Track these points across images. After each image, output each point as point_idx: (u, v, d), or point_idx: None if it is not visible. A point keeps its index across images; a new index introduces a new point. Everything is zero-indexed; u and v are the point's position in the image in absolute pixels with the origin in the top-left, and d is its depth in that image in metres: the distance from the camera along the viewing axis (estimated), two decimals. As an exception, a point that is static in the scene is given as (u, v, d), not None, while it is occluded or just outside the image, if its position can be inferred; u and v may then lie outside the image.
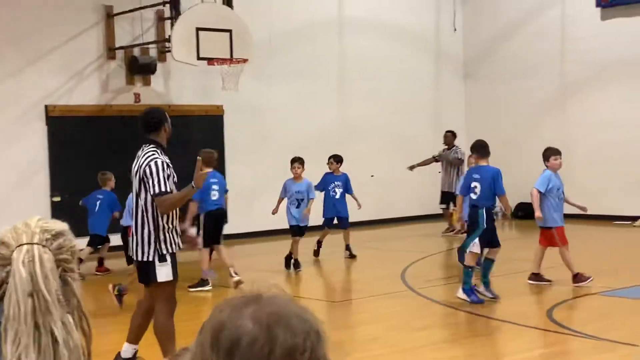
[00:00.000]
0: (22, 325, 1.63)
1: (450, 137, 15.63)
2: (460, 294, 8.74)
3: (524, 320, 7.88)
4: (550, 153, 10.36)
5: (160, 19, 14.58)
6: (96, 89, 14.21)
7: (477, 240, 8.84)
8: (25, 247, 1.72)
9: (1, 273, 1.72)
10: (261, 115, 15.85)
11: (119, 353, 6.40)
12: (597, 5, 16.39)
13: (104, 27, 14.18)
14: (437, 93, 18.65)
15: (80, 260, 10.66)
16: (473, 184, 9.14)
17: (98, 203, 11.94)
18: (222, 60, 13.14)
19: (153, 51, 14.55)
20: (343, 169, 12.96)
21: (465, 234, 9.73)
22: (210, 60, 13.06)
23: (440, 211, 15.92)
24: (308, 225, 11.69)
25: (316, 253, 12.42)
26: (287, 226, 11.88)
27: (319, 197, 12.33)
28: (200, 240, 9.94)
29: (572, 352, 7.04)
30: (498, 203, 9.56)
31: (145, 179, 5.94)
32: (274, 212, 11.72)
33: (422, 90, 18.27)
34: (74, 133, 13.77)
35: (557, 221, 9.85)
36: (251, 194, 15.17)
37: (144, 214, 6.01)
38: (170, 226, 6.07)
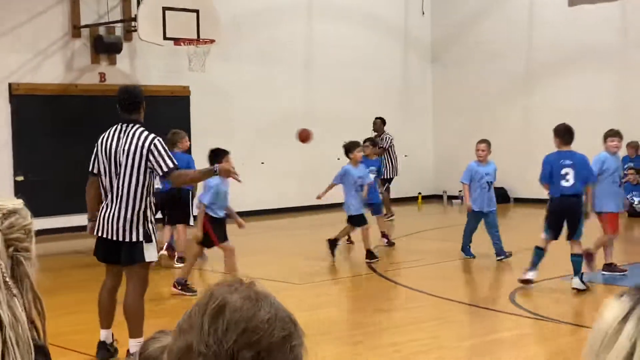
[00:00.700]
0: None
1: (379, 123, 15.35)
2: (578, 284, 8.26)
3: (486, 303, 7.97)
4: (607, 134, 9.92)
5: (126, -3, 14.42)
6: (61, 67, 14.02)
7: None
8: None
9: None
10: (228, 96, 15.78)
11: (127, 350, 6.18)
12: (565, -9, 16.51)
13: (69, 4, 13.98)
14: (405, 77, 18.69)
15: None
16: (564, 171, 8.54)
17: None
18: (189, 41, 13.04)
19: (119, 30, 14.38)
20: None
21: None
22: (177, 41, 12.96)
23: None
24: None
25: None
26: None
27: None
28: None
29: (534, 335, 7.13)
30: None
31: (153, 157, 5.97)
32: (320, 196, 11.41)
33: (389, 74, 18.30)
34: (38, 112, 13.59)
35: (609, 206, 9.25)
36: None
37: (136, 193, 6.00)
38: (152, 207, 6.14)
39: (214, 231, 8.67)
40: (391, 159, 15.18)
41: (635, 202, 14.79)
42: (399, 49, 18.62)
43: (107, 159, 6.08)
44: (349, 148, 11.12)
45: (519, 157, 17.20)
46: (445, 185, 18.50)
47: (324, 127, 15.15)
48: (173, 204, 10.49)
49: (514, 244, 10.60)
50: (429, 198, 18.52)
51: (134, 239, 5.98)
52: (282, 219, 15.71)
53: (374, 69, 17.87)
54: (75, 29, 14.00)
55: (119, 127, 6.13)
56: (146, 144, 5.98)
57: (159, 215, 9.13)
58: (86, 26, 14.00)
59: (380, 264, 10.41)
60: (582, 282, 8.29)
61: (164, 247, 10.56)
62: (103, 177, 6.12)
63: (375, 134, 15.19)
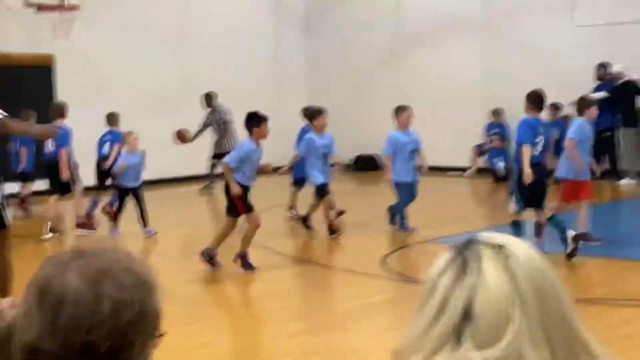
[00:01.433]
0: None
1: (208, 99, 14.90)
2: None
3: (358, 268, 8.12)
4: (588, 103, 9.27)
5: (-17, -39, 13.70)
6: None
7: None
8: None
9: None
10: (96, 66, 15.29)
11: None
12: (432, -39, 16.85)
13: None
14: (278, 47, 18.66)
15: None
16: (538, 138, 8.38)
17: None
18: (52, 7, 12.53)
19: (-24, -4, 13.67)
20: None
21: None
22: (40, 7, 12.43)
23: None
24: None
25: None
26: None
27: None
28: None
29: (405, 298, 7.31)
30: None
31: None
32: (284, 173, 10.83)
33: (262, 45, 18.22)
34: None
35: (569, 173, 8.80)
36: (86, 147, 14.66)
37: None
38: None
39: (243, 200, 8.03)
40: (227, 133, 14.78)
41: (500, 167, 15.36)
42: (271, 20, 18.55)
43: None
44: (313, 115, 10.15)
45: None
46: (320, 154, 18.63)
47: (198, 97, 14.94)
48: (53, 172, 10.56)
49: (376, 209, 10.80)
50: (303, 167, 18.61)
51: None
52: (161, 190, 15.48)
53: (247, 39, 17.74)
54: None
55: None
56: None
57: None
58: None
59: (260, 235, 10.40)
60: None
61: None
62: None
63: (209, 109, 14.79)
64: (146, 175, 15.83)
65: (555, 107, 15.16)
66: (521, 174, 8.28)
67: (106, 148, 11.57)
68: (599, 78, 14.47)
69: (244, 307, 6.94)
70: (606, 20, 14.60)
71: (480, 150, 16.17)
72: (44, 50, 14.45)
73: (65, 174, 10.28)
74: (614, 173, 14.22)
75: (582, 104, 9.11)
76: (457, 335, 1.09)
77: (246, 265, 7.99)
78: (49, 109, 10.68)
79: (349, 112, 18.34)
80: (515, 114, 15.88)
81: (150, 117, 15.65)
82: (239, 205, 8.08)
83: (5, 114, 6.13)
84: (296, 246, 9.53)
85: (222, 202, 13.57)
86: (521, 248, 1.16)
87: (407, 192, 10.08)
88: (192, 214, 12.97)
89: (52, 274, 1.28)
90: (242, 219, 8.25)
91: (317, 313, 6.60)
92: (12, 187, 11.31)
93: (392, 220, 10.15)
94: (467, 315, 1.10)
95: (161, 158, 16.09)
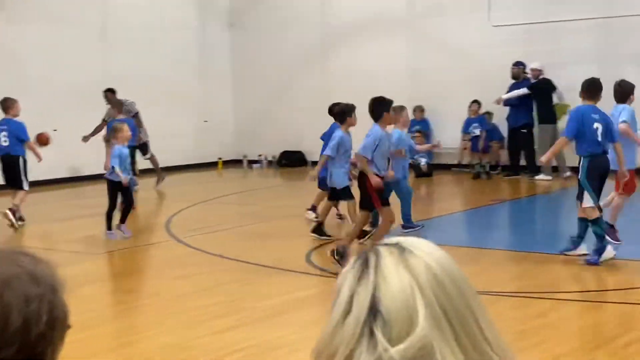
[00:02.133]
0: None
1: (109, 95, 14.25)
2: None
3: (283, 264, 8.19)
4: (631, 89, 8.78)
5: None
6: None
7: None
8: None
9: None
10: (15, 61, 14.97)
11: None
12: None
13: None
14: (203, 40, 18.57)
15: None
16: (595, 125, 7.64)
17: None
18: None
19: None
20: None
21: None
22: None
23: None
24: None
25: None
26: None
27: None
28: None
29: (329, 293, 7.42)
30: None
31: None
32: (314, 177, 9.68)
33: (187, 37, 18.11)
34: None
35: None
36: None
37: None
38: None
39: (380, 192, 7.55)
40: (141, 123, 14.58)
41: (422, 163, 15.64)
42: (196, 12, 18.45)
43: None
44: (346, 112, 9.01)
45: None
46: (246, 150, 18.66)
47: (122, 90, 14.72)
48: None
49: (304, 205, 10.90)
50: (229, 163, 18.62)
51: None
52: (78, 187, 15.26)
53: (171, 31, 17.61)
54: None
55: None
56: None
57: None
58: None
59: (180, 230, 10.39)
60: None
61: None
62: None
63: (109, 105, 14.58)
64: (68, 172, 15.65)
65: (478, 103, 15.55)
66: (591, 166, 7.62)
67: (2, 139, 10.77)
68: (515, 77, 14.89)
69: (169, 305, 6.94)
70: (522, 20, 15.02)
71: (403, 147, 16.41)
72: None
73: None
74: (531, 168, 14.65)
75: (626, 89, 8.61)
76: (369, 333, 1.11)
77: (342, 258, 7.51)
78: None
79: (275, 108, 18.40)
80: (437, 111, 16.25)
81: (73, 111, 15.42)
82: (374, 197, 7.60)
83: None
84: (221, 243, 9.54)
85: (143, 198, 13.55)
86: (418, 243, 1.20)
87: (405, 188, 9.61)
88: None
89: None
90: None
91: (242, 309, 6.65)
92: None
93: (409, 222, 9.68)
94: (373, 312, 1.12)
95: (85, 154, 15.86)
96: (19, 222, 10.64)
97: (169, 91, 16.97)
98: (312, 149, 18.08)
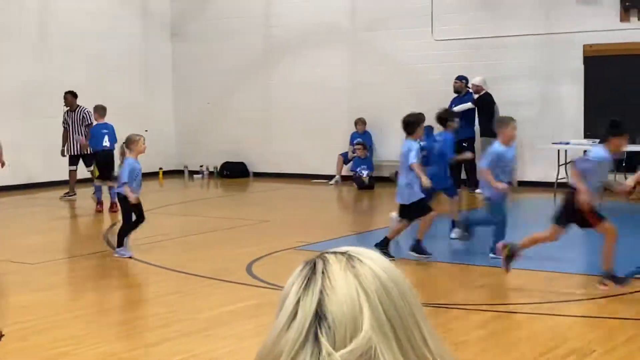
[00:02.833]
0: None
1: (70, 98, 14.31)
2: None
3: (224, 275, 8.10)
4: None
5: None
6: None
7: None
8: None
9: None
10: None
11: None
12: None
13: None
14: (145, 50, 18.37)
15: None
16: None
17: None
18: None
19: None
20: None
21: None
22: None
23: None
24: None
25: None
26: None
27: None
28: None
29: (269, 305, 7.36)
30: None
31: None
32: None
33: (128, 46, 17.89)
34: None
35: None
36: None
37: None
38: None
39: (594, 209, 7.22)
40: (85, 134, 14.38)
41: (364, 175, 15.69)
42: (138, 21, 18.24)
43: None
44: (414, 122, 8.60)
45: (259, 132, 17.61)
46: (187, 160, 18.50)
47: (62, 98, 14.46)
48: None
49: (259, 216, 10.84)
50: (170, 173, 18.42)
51: None
52: (22, 195, 14.97)
53: (112, 40, 17.38)
54: None
55: None
56: None
57: None
58: None
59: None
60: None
61: None
62: None
63: (68, 108, 14.39)
64: (10, 179, 15.29)
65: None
66: None
67: None
68: (457, 91, 15.06)
69: (108, 316, 6.79)
70: (464, 35, 15.23)
71: (345, 159, 16.47)
72: None
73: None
74: (472, 182, 14.81)
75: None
76: (313, 338, 1.12)
77: (508, 261, 7.56)
78: None
79: (217, 119, 18.29)
80: (379, 123, 16.33)
81: (12, 120, 15.12)
82: (590, 216, 7.28)
83: None
84: (162, 254, 9.40)
85: (81, 208, 13.31)
86: (366, 252, 1.21)
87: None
88: (44, 221, 12.56)
89: None
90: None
91: (181, 320, 6.54)
92: None
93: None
94: (318, 317, 1.13)
95: (24, 162, 15.56)
96: None
97: (108, 100, 16.68)
98: (254, 160, 18.07)
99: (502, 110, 14.77)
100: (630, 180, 7.97)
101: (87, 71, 16.66)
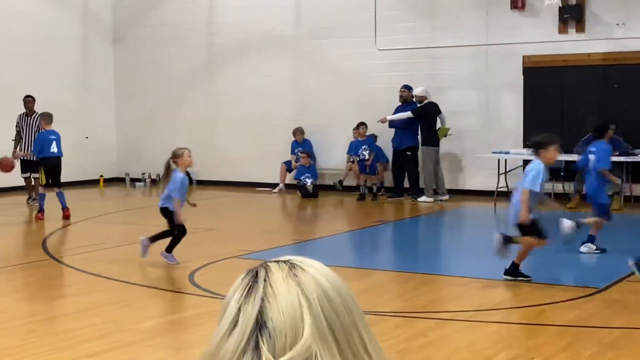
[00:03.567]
0: None
1: (32, 102, 14.34)
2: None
3: (165, 284, 8.02)
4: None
5: None
6: None
7: None
8: None
9: None
10: None
11: None
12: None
13: None
14: (85, 55, 18.11)
15: None
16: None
17: None
18: None
19: None
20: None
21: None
22: None
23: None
24: None
25: None
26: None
27: None
28: None
29: (211, 314, 7.30)
30: None
31: None
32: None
33: (67, 51, 17.62)
34: None
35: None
36: None
37: None
38: None
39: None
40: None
41: (308, 183, 15.72)
42: (79, 26, 17.98)
43: None
44: (539, 144, 8.17)
45: (203, 140, 17.48)
46: (128, 167, 18.29)
47: (5, 103, 14.17)
48: None
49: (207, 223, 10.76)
50: (111, 181, 18.18)
51: None
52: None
53: (52, 44, 17.10)
54: None
55: None
56: None
57: None
58: None
59: (57, 250, 10.03)
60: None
61: None
62: None
63: (24, 112, 14.18)
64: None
65: (365, 126, 15.78)
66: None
67: None
68: (404, 100, 15.18)
69: (44, 326, 6.66)
70: (406, 45, 15.39)
71: (288, 167, 16.47)
72: None
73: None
74: (414, 190, 14.96)
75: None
76: (254, 346, 1.12)
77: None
78: None
79: (159, 126, 18.13)
80: (323, 132, 16.38)
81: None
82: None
83: None
84: (101, 263, 9.26)
85: (19, 214, 13.04)
86: (308, 261, 1.22)
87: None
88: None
89: None
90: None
91: (120, 331, 6.45)
92: None
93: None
94: (259, 325, 1.13)
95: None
96: None
97: (48, 104, 16.43)
98: (198, 168, 17.91)
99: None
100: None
101: (26, 75, 16.34)
